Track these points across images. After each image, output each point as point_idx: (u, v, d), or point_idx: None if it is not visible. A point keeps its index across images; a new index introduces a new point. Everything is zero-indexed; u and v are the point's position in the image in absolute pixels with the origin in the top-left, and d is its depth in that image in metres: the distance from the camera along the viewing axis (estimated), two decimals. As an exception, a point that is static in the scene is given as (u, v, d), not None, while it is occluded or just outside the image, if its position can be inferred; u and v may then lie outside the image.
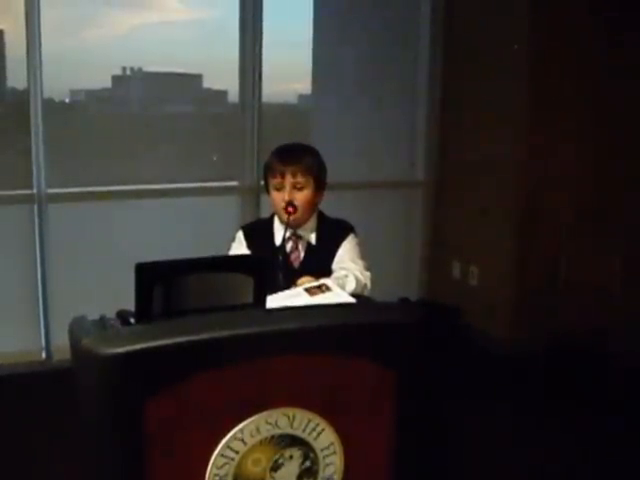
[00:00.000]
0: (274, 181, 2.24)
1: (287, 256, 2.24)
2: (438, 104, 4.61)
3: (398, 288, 4.44)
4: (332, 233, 2.29)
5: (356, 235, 2.31)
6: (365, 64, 4.54)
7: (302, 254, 2.27)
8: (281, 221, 2.26)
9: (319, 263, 2.21)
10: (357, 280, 2.14)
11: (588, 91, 4.03)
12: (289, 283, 2.02)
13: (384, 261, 4.35)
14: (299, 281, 2.00)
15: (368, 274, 2.22)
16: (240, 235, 2.31)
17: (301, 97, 4.77)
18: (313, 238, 2.29)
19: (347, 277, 2.13)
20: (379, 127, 4.60)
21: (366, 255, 2.30)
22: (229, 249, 2.31)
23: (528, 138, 4.06)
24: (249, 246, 2.27)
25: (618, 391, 3.60)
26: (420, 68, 4.64)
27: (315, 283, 1.91)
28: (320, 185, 2.27)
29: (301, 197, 2.21)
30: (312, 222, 2.29)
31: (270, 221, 2.33)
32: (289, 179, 2.21)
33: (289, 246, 2.26)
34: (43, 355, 3.91)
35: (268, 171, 2.27)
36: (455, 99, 4.51)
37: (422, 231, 4.77)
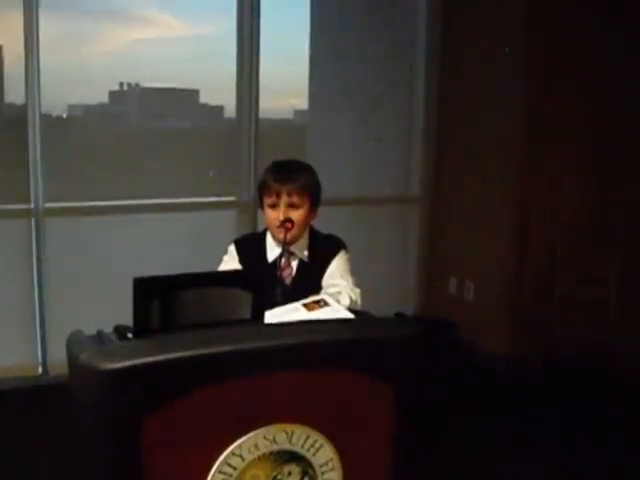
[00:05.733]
0: (269, 200, 2.20)
1: (279, 273, 2.21)
2: (434, 120, 4.63)
3: (395, 303, 4.44)
4: (323, 249, 2.26)
5: (347, 251, 2.29)
6: (361, 80, 4.55)
7: (294, 271, 2.25)
8: (274, 238, 2.24)
9: (311, 279, 2.20)
10: (349, 297, 2.13)
11: (589, 111, 4.06)
12: (281, 300, 1.99)
13: (381, 276, 4.37)
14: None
15: (358, 291, 2.20)
16: (232, 249, 2.28)
17: (298, 113, 4.79)
18: (305, 255, 2.26)
19: (340, 294, 2.12)
20: (375, 143, 4.61)
21: (355, 271, 2.28)
22: (221, 261, 2.28)
23: (525, 155, 4.08)
24: (241, 260, 2.24)
25: (616, 406, 3.59)
26: (417, 84, 4.66)
27: (313, 298, 1.91)
28: (315, 203, 2.25)
29: (296, 216, 2.18)
30: (304, 239, 2.26)
31: (263, 236, 2.30)
32: (285, 198, 2.17)
33: (281, 263, 2.22)
34: (39, 370, 3.88)
35: (263, 189, 2.23)
36: (452, 115, 4.53)
37: (418, 246, 4.78)
